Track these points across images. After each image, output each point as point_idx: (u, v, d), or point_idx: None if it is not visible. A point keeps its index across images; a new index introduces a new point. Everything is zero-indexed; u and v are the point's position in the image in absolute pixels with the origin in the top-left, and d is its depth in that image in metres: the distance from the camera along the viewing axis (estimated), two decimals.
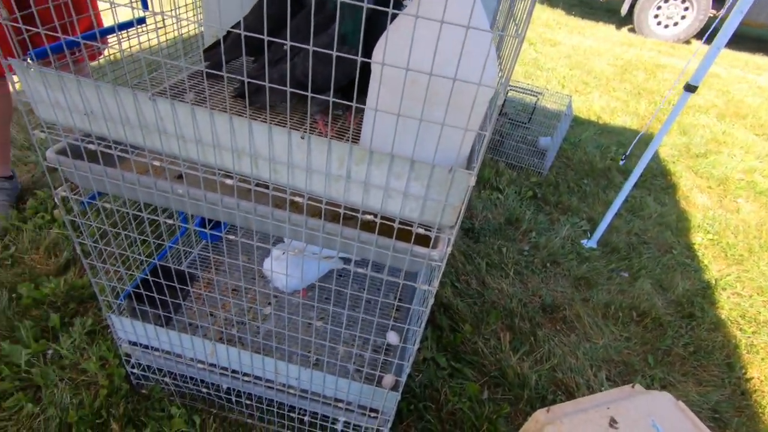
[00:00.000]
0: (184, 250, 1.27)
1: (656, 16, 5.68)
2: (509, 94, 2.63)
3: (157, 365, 1.04)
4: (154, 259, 1.12)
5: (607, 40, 5.38)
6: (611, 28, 6.03)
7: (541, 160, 2.37)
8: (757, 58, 5.68)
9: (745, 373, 1.45)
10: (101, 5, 0.70)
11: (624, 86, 3.98)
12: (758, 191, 2.59)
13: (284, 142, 0.57)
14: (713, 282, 1.82)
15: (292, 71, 0.76)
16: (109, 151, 0.65)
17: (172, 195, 0.67)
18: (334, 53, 0.48)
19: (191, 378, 1.05)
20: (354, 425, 1.02)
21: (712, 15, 5.32)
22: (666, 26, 5.69)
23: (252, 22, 0.90)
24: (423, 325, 0.77)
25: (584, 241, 1.93)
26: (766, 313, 1.71)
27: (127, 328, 0.96)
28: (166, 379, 1.06)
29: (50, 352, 1.14)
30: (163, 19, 0.89)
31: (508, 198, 2.10)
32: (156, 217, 0.71)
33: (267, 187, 0.62)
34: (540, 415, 0.88)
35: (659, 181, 2.55)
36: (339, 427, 1.05)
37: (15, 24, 0.57)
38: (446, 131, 0.55)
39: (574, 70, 4.18)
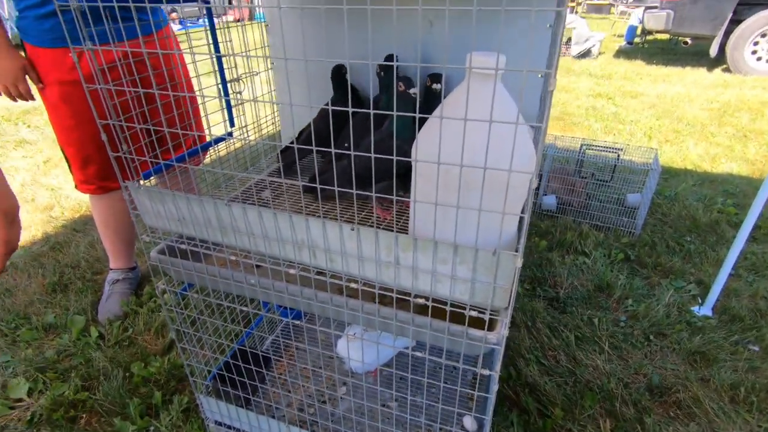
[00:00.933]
0: (260, 336, 1.35)
1: (754, 52, 5.23)
2: (587, 152, 2.54)
3: None
4: (235, 344, 1.21)
5: (698, 85, 5.03)
6: (701, 71, 5.65)
7: (632, 219, 2.19)
8: None
9: None
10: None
11: (724, 130, 3.62)
12: None
13: (336, 234, 0.62)
14: None
15: (354, 166, 0.84)
16: (195, 249, 0.75)
17: (246, 285, 0.75)
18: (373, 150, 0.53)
19: None
20: None
21: None
22: None
23: (318, 125, 1.02)
24: (490, 412, 0.72)
25: (695, 308, 1.68)
26: None
27: (213, 408, 1.02)
28: None
29: (152, 429, 1.25)
30: (247, 132, 1.04)
31: (597, 262, 1.95)
32: (232, 305, 0.78)
33: (325, 275, 0.67)
34: None
35: None
36: None
37: (134, 157, 0.72)
38: (489, 216, 0.56)
39: (661, 119, 3.93)
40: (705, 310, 1.67)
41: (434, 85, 0.80)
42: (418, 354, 0.69)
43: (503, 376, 1.39)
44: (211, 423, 1.07)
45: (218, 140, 0.96)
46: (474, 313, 0.61)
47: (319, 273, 0.70)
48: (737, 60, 5.29)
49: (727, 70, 5.45)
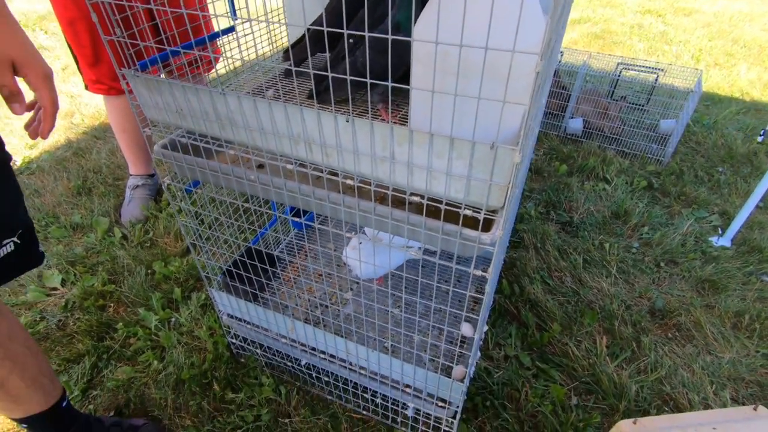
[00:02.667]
0: (276, 237, 1.39)
1: None
2: (624, 73, 2.35)
3: (250, 337, 1.17)
4: (249, 243, 1.25)
5: (765, 2, 4.47)
6: None
7: (663, 147, 2.07)
8: None
9: None
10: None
11: None
12: None
13: (332, 127, 0.60)
14: None
15: (353, 65, 0.79)
16: (196, 143, 0.75)
17: (246, 180, 0.75)
18: (390, 38, 0.49)
19: (278, 351, 1.16)
20: (424, 413, 1.03)
21: None
22: None
23: (328, 19, 0.95)
24: (485, 313, 0.74)
25: (714, 239, 1.64)
26: None
27: (224, 302, 1.09)
28: (258, 351, 1.18)
29: (173, 319, 1.35)
30: (251, 26, 0.99)
31: (617, 189, 1.89)
32: (247, 204, 0.79)
33: (321, 172, 0.66)
34: (625, 426, 0.78)
35: None
36: (410, 413, 1.06)
37: (128, 40, 0.69)
38: (488, 107, 0.52)
39: (714, 40, 3.56)
40: (724, 240, 1.63)
41: None
42: (423, 257, 0.70)
43: (506, 291, 1.42)
44: (224, 316, 1.15)
45: (224, 32, 0.91)
46: (469, 212, 0.60)
47: (315, 169, 0.69)
48: None
49: None
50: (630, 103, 2.37)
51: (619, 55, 2.58)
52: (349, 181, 0.66)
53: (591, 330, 1.32)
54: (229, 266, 1.05)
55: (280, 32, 1.13)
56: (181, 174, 0.83)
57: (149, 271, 1.50)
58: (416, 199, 0.63)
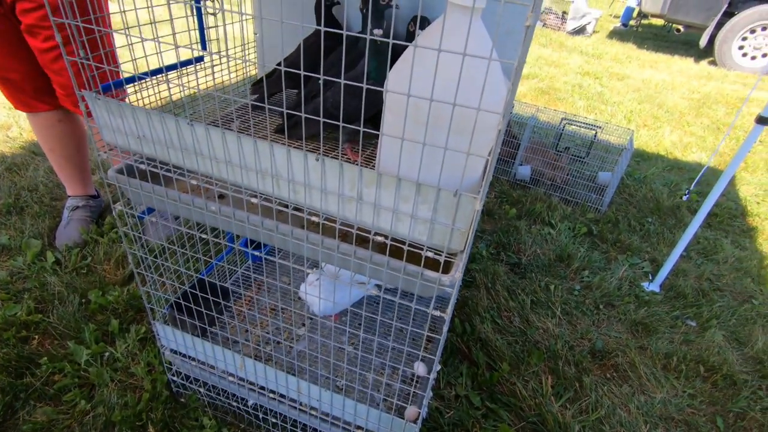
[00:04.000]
0: (229, 269, 1.35)
1: (741, 48, 5.29)
2: (567, 128, 2.56)
3: (194, 375, 1.10)
4: (200, 274, 1.21)
5: (683, 74, 5.09)
6: (689, 61, 5.70)
7: (600, 196, 2.25)
8: None
9: None
10: (163, 45, 0.81)
11: (700, 121, 3.71)
12: None
13: (301, 164, 0.61)
14: None
15: (324, 104, 0.82)
16: (155, 170, 0.73)
17: (207, 212, 0.73)
18: (364, 85, 0.51)
19: (223, 390, 1.10)
20: None
21: None
22: (753, 57, 5.27)
23: (295, 59, 0.98)
24: (439, 353, 0.75)
25: (645, 284, 1.78)
26: None
27: (169, 336, 1.03)
28: (201, 390, 1.11)
29: (107, 354, 1.25)
30: (219, 58, 0.99)
31: (561, 234, 2.01)
32: (202, 235, 0.77)
33: (287, 207, 0.66)
34: None
35: (739, 223, 2.30)
36: None
37: (92, 63, 0.67)
38: (453, 157, 0.56)
39: (643, 104, 3.98)
40: (653, 286, 1.76)
41: (418, 30, 0.78)
42: (381, 296, 0.71)
43: (458, 330, 1.45)
44: (167, 351, 1.08)
45: (185, 63, 0.91)
46: (431, 254, 0.62)
47: (280, 203, 0.69)
48: (724, 53, 5.35)
49: (713, 62, 5.52)
50: (572, 155, 2.57)
51: (563, 111, 2.81)
52: (314, 218, 0.66)
53: (537, 369, 1.37)
54: (178, 298, 1.00)
55: (246, 65, 1.14)
56: (135, 200, 0.80)
57: (83, 300, 1.39)
58: (380, 239, 0.64)
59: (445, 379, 1.29)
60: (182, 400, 1.15)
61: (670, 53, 6.03)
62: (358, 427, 0.96)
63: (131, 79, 0.78)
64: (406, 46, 0.77)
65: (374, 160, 0.86)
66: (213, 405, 1.14)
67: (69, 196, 1.68)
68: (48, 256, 1.51)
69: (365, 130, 0.55)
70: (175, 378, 1.13)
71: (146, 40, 0.67)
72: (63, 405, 1.12)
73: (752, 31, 5.16)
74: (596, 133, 2.40)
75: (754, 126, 1.39)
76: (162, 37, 0.68)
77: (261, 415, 1.07)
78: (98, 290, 1.41)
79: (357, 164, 0.57)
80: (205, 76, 0.96)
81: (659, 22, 7.79)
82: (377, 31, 0.63)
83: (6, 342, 1.23)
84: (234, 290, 1.27)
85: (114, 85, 0.75)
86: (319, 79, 0.91)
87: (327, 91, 0.84)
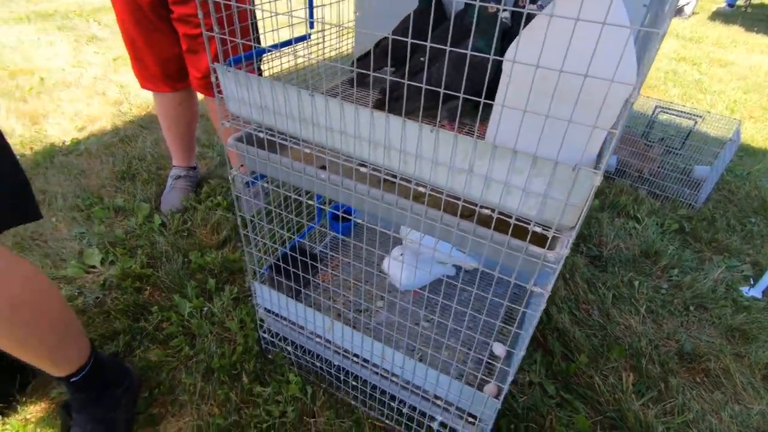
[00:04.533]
0: (320, 233, 1.43)
1: None
2: (661, 117, 2.37)
3: (283, 333, 1.19)
4: (296, 238, 1.29)
5: None
6: None
7: (695, 192, 2.08)
8: None
9: None
10: (280, 21, 0.87)
11: None
12: None
13: (415, 133, 0.63)
14: None
15: (428, 80, 0.83)
16: (272, 139, 0.79)
17: (317, 179, 0.79)
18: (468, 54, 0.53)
19: (309, 351, 1.17)
20: (451, 428, 1.03)
21: None
22: None
23: (395, 37, 1.00)
24: (532, 330, 0.75)
25: (745, 289, 1.63)
26: None
27: (264, 296, 1.12)
28: (289, 348, 1.20)
29: (205, 309, 1.38)
30: (323, 36, 1.04)
31: (647, 229, 1.89)
32: (309, 201, 0.83)
33: (395, 177, 0.69)
34: None
35: None
36: (435, 426, 1.06)
37: (223, 36, 0.74)
38: (574, 130, 0.55)
39: (749, 93, 3.57)
40: (755, 291, 1.61)
41: (529, 6, 0.76)
42: (469, 271, 0.72)
43: None
44: (261, 310, 1.17)
45: (298, 40, 0.96)
46: (539, 230, 0.62)
47: (388, 175, 0.72)
48: None
49: None
50: (666, 146, 2.38)
51: (656, 98, 2.60)
52: (421, 188, 0.69)
53: (617, 365, 1.32)
54: (277, 260, 1.08)
55: (347, 43, 1.18)
56: (250, 167, 0.87)
57: (185, 259, 1.54)
58: (486, 211, 0.65)
59: (519, 364, 1.29)
60: (269, 356, 1.25)
61: None
62: (437, 397, 0.99)
63: (257, 53, 0.85)
64: (513, 28, 0.76)
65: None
66: (298, 364, 1.22)
67: (174, 166, 1.85)
68: (155, 218, 1.69)
69: (487, 101, 0.56)
70: (265, 335, 1.23)
71: (279, 14, 0.72)
72: (170, 349, 1.26)
73: None
74: (696, 122, 2.21)
75: None
76: (280, 14, 0.73)
77: (342, 377, 1.14)
78: (198, 252, 1.55)
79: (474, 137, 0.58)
80: (309, 53, 1.02)
81: None
82: (505, 13, 0.64)
83: (125, 290, 1.40)
84: (323, 255, 1.34)
85: (245, 58, 0.81)
86: (421, 56, 0.93)
87: (431, 66, 0.86)
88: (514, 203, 0.62)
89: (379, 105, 0.96)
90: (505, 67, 0.58)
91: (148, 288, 1.43)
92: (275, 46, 0.90)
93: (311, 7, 0.98)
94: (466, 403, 0.94)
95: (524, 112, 0.54)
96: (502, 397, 0.88)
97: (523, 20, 0.63)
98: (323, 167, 0.86)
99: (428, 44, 0.55)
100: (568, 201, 0.57)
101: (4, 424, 1.06)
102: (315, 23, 1.01)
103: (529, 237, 0.63)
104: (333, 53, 1.10)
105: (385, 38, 1.01)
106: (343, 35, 1.13)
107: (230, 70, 0.76)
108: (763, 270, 1.66)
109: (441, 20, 0.98)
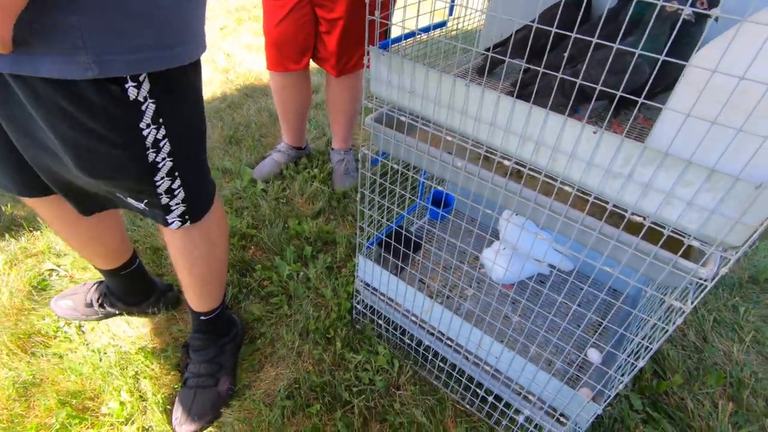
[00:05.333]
0: (414, 221, 1.47)
1: None
2: None
3: (377, 307, 1.25)
4: (403, 213, 1.33)
5: None
6: None
7: None
8: None
9: None
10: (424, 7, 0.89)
11: None
12: None
13: (575, 134, 0.63)
14: None
15: (576, 75, 0.82)
16: (407, 120, 0.82)
17: (451, 167, 0.81)
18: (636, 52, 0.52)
19: (399, 327, 1.23)
20: (536, 424, 1.04)
21: None
22: None
23: (536, 29, 0.98)
24: (659, 344, 0.74)
25: None
26: None
27: (368, 270, 1.17)
28: (380, 321, 1.26)
29: (301, 274, 1.48)
30: (458, 23, 1.05)
31: (758, 252, 1.74)
32: (407, 171, 0.86)
33: (539, 173, 0.70)
34: None
35: None
36: (520, 419, 1.08)
37: (383, 21, 0.77)
38: (761, 145, 0.53)
39: None
40: None
41: (711, 10, 0.72)
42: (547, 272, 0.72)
43: None
44: (359, 282, 1.24)
45: (437, 26, 0.98)
46: (696, 243, 0.61)
47: (532, 169, 0.72)
48: None
49: None
50: None
51: None
52: (566, 188, 0.69)
53: (713, 392, 1.25)
54: (386, 236, 1.13)
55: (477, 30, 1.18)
56: (384, 148, 0.91)
57: (285, 225, 1.64)
58: (638, 219, 0.64)
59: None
60: (357, 326, 1.32)
61: None
62: (530, 393, 1.01)
63: (400, 38, 0.88)
64: (690, 33, 0.73)
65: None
66: (385, 337, 1.28)
67: (282, 141, 1.95)
68: (258, 183, 1.81)
69: (651, 103, 0.55)
70: (358, 306, 1.30)
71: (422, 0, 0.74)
72: (270, 306, 1.37)
73: None
74: None
75: None
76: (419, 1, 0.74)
77: (431, 357, 1.18)
78: (295, 219, 1.65)
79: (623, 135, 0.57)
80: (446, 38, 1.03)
81: None
82: (687, 11, 0.61)
83: (232, 246, 1.53)
84: (420, 238, 1.38)
85: (392, 42, 0.85)
86: (563, 52, 0.91)
87: (577, 64, 0.84)
88: (673, 215, 0.60)
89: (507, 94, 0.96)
90: (693, 74, 0.56)
91: (252, 247, 1.55)
92: (422, 30, 0.92)
93: None
94: (561, 402, 0.94)
95: (712, 124, 0.52)
96: (603, 404, 0.88)
97: (708, 24, 0.60)
98: (450, 153, 0.88)
99: (575, 35, 0.54)
100: (740, 219, 0.55)
101: (128, 323, 1.24)
102: (455, 9, 1.02)
103: (682, 250, 0.62)
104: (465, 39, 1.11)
105: (525, 27, 1.00)
106: (476, 21, 1.13)
107: (384, 54, 0.79)
108: None
109: (586, 17, 0.96)
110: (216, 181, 1.81)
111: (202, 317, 1.07)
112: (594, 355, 1.11)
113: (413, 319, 1.16)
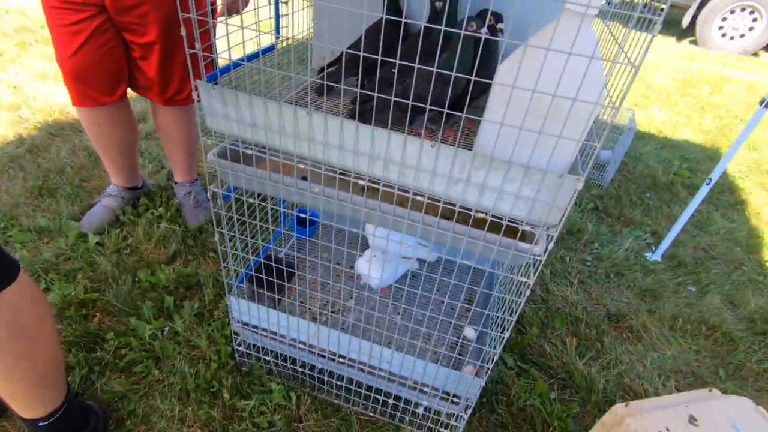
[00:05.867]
0: (278, 249, 1.42)
1: (721, 28, 5.48)
2: None
3: (261, 344, 1.18)
4: (261, 251, 1.27)
5: (667, 54, 5.25)
6: (671, 40, 5.87)
7: (602, 173, 2.39)
8: None
9: None
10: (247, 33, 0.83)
11: (686, 101, 3.89)
12: None
13: (416, 149, 0.68)
14: None
15: (405, 91, 0.88)
16: (261, 154, 0.79)
17: (309, 193, 0.80)
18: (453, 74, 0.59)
19: (290, 358, 1.18)
20: (435, 410, 1.12)
21: None
22: (732, 38, 5.48)
23: (364, 47, 1.03)
24: (517, 314, 0.85)
25: (648, 254, 1.93)
26: None
27: (242, 309, 1.10)
28: (269, 358, 1.19)
29: (167, 329, 1.32)
30: (292, 45, 1.04)
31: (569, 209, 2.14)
32: (263, 203, 0.84)
33: (393, 187, 0.74)
34: (619, 408, 0.94)
35: (727, 197, 2.49)
36: (421, 411, 1.15)
37: (206, 54, 0.72)
38: (556, 143, 0.65)
39: (633, 84, 4.12)
40: (656, 256, 1.92)
41: (498, 25, 0.85)
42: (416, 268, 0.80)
43: None
44: (236, 323, 1.15)
45: (265, 51, 0.96)
46: (527, 228, 0.71)
47: (375, 185, 0.76)
48: (705, 34, 5.53)
49: (694, 42, 5.70)
50: None
51: None
52: (419, 197, 0.74)
53: (561, 333, 1.50)
54: (256, 271, 1.07)
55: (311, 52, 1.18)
56: (233, 183, 0.86)
57: (134, 279, 1.43)
58: (481, 215, 0.73)
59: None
60: (244, 369, 1.24)
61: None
62: (424, 384, 1.07)
63: (228, 68, 0.83)
64: (483, 41, 0.84)
65: (444, 143, 0.94)
66: (276, 372, 1.22)
67: (112, 184, 1.68)
68: (90, 237, 1.54)
69: (471, 117, 0.63)
70: (240, 348, 1.21)
71: (245, 27, 0.72)
72: (134, 376, 1.19)
73: (732, 12, 5.34)
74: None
75: (758, 108, 1.52)
76: (246, 26, 0.73)
77: (326, 379, 1.17)
78: (146, 269, 1.46)
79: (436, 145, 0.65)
80: (276, 63, 1.01)
81: None
82: (484, 30, 0.70)
83: (69, 319, 1.28)
84: (291, 262, 1.34)
85: (220, 73, 0.80)
86: (392, 68, 0.98)
87: (406, 79, 0.91)
88: (506, 207, 0.70)
89: (351, 115, 0.99)
90: (499, 89, 0.66)
91: (97, 314, 1.32)
92: (251, 57, 0.89)
93: (278, 18, 0.98)
94: (452, 386, 1.03)
95: (520, 130, 0.61)
96: (485, 377, 0.98)
97: (502, 43, 0.71)
98: (304, 178, 0.88)
99: (396, 61, 0.60)
100: (554, 203, 0.67)
101: None
102: (281, 33, 1.01)
103: (519, 234, 0.72)
104: (296, 63, 1.10)
105: (355, 45, 1.04)
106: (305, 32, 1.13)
107: (215, 88, 0.74)
108: (660, 237, 1.98)
109: (405, 33, 1.03)
110: (30, 243, 1.50)
111: (41, 423, 0.87)
112: (470, 333, 1.23)
113: (301, 346, 1.13)
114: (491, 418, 1.22)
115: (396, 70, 0.94)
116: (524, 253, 0.73)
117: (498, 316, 0.92)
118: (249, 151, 0.80)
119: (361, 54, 0.70)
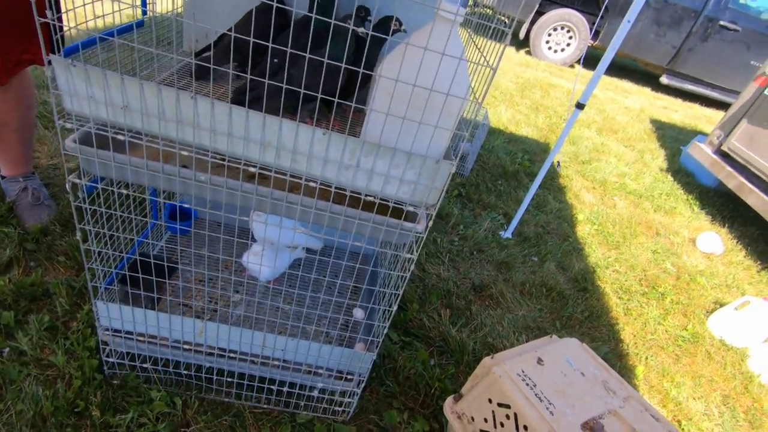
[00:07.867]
0: (152, 243, 1.30)
1: (547, 42, 6.52)
2: None
3: (138, 351, 1.08)
4: (132, 247, 1.16)
5: (509, 61, 6.06)
6: (512, 50, 6.78)
7: (463, 164, 2.68)
8: (624, 83, 6.79)
9: (623, 330, 1.85)
10: (106, 6, 0.71)
11: (525, 101, 4.56)
12: (628, 191, 3.19)
13: (308, 137, 0.71)
14: (599, 262, 2.25)
15: (289, 81, 0.89)
16: (122, 137, 0.73)
17: (194, 182, 0.77)
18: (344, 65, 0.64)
19: (171, 362, 1.10)
20: (329, 391, 1.16)
21: (590, 44, 6.27)
22: (555, 51, 6.57)
23: (240, 33, 1.00)
24: (403, 288, 0.94)
25: (502, 233, 2.25)
26: (636, 286, 2.17)
27: (113, 315, 0.99)
28: (146, 365, 1.10)
29: (6, 350, 1.11)
30: (155, 23, 0.96)
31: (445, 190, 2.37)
32: (128, 191, 0.79)
33: (284, 174, 0.76)
34: (486, 360, 1.10)
35: (556, 183, 3.02)
36: (315, 394, 1.18)
37: (59, 24, 0.64)
38: (428, 131, 0.74)
39: (482, 85, 4.67)
40: (508, 234, 2.25)
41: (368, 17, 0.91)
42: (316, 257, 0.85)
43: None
44: (104, 332, 1.03)
45: (128, 28, 0.87)
46: (410, 209, 0.80)
47: (267, 172, 0.77)
48: (536, 46, 6.53)
49: (529, 53, 6.69)
50: None
51: None
52: (312, 184, 0.77)
53: (437, 306, 1.68)
54: (129, 269, 0.97)
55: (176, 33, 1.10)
56: (100, 172, 0.77)
57: None
58: (370, 199, 0.79)
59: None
60: (115, 382, 1.12)
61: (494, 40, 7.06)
62: (318, 367, 1.11)
63: (91, 41, 0.74)
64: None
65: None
66: (159, 379, 1.13)
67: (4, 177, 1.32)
68: None
69: (360, 106, 0.68)
70: (109, 359, 1.09)
71: None
72: None
73: (555, 29, 6.41)
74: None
75: (575, 110, 1.88)
76: None
77: (215, 378, 1.12)
78: None
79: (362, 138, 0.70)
80: (143, 42, 0.93)
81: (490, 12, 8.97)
82: (361, 29, 0.75)
83: None
84: (170, 261, 1.24)
85: (82, 46, 0.71)
86: (274, 58, 0.97)
87: (290, 68, 0.92)
88: (393, 190, 0.77)
89: (237, 104, 0.96)
90: (384, 82, 0.72)
91: None
92: (111, 33, 0.80)
93: None
94: (345, 364, 1.08)
95: (403, 119, 0.69)
96: (376, 350, 1.06)
97: (389, 41, 0.77)
98: (185, 166, 0.83)
99: (289, 50, 0.63)
100: (433, 185, 0.76)
101: None
102: (148, 10, 0.92)
103: (404, 215, 0.80)
104: (164, 42, 1.02)
105: (226, 35, 1.00)
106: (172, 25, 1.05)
107: (76, 65, 0.66)
108: (510, 218, 2.32)
109: (283, 21, 1.04)
110: None
111: None
112: (358, 314, 1.30)
113: (186, 347, 1.06)
114: (381, 389, 1.31)
115: (275, 61, 0.94)
116: (409, 232, 0.82)
117: (386, 292, 1.00)
118: (120, 137, 0.73)
119: (251, 40, 0.70)
